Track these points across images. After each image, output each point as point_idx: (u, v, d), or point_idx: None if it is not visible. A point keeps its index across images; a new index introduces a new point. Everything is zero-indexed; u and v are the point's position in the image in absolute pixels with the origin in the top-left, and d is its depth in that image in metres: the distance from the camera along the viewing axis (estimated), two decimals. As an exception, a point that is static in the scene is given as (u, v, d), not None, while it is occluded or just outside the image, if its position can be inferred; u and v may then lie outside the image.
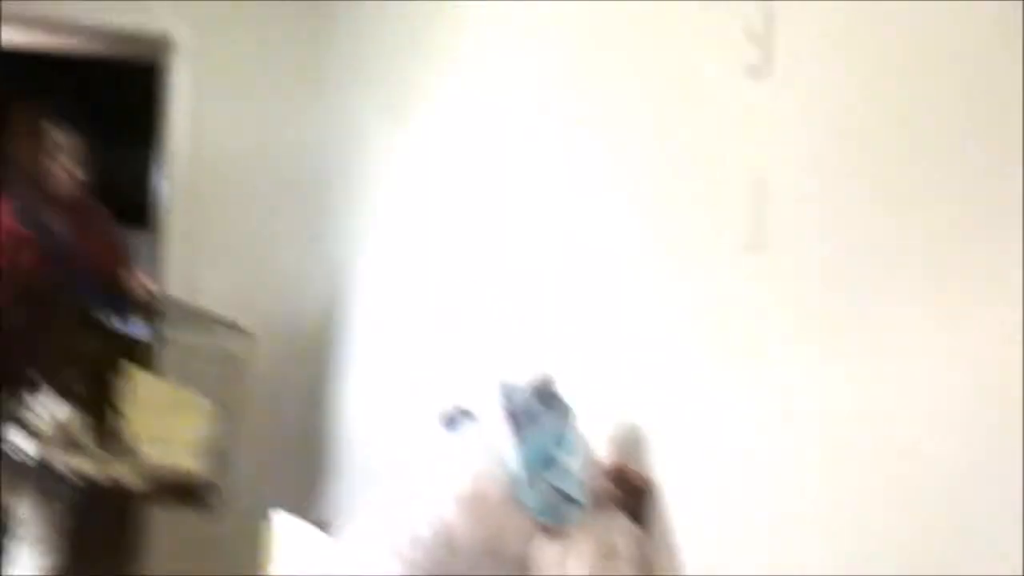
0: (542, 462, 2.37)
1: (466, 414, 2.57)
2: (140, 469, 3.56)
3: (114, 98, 5.68)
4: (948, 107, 1.73)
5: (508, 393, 2.48)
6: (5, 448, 3.54)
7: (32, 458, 3.51)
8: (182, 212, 4.60)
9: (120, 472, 3.54)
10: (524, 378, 2.51)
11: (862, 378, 1.87)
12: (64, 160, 3.78)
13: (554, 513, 2.34)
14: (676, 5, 2.42)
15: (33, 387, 3.65)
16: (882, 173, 1.85)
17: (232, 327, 3.95)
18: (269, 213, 4.69)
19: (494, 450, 2.41)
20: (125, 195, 5.98)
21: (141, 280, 4.03)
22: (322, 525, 2.85)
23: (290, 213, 4.69)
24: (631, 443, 2.44)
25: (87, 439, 3.58)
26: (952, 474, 1.69)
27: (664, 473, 2.37)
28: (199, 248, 4.60)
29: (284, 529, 2.81)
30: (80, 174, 3.84)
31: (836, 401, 1.93)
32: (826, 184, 1.96)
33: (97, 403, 3.65)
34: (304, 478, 4.46)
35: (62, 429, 3.55)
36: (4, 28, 4.71)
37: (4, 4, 4.43)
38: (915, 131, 1.79)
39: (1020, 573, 1.57)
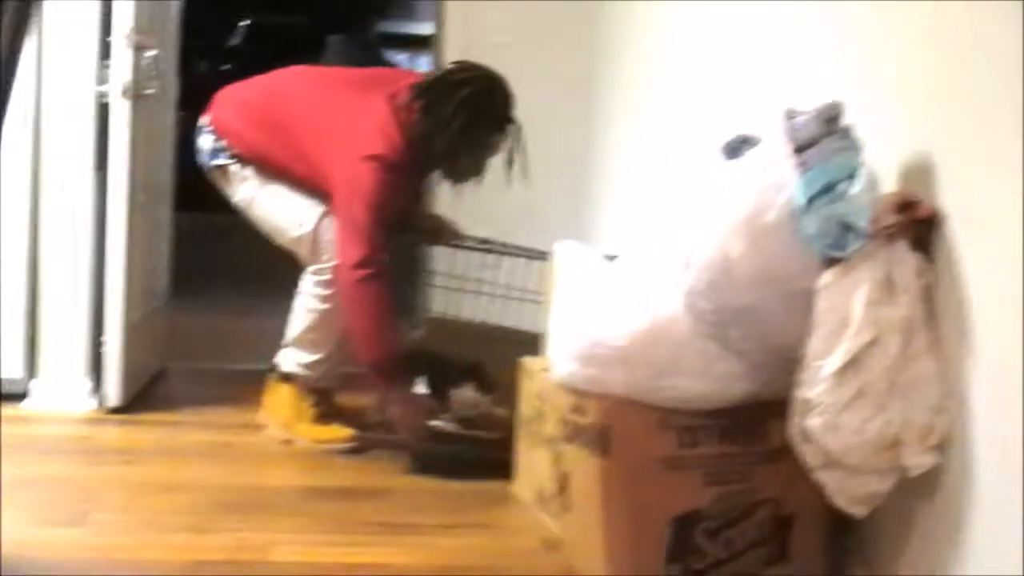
0: (824, 190, 2.31)
1: (748, 141, 2.52)
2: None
3: None
4: None
5: (792, 120, 2.42)
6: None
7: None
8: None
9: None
10: (810, 105, 2.43)
11: None
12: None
13: (834, 241, 2.29)
14: None
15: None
16: None
17: None
18: None
19: (775, 177, 2.36)
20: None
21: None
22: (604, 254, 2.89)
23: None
24: (919, 171, 2.35)
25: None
26: None
27: (953, 203, 2.27)
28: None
29: (566, 256, 2.86)
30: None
31: None
32: None
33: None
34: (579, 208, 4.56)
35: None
36: None
37: None
38: None
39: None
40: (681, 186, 2.70)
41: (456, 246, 4.12)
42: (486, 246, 4.13)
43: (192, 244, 5.44)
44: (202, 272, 6.22)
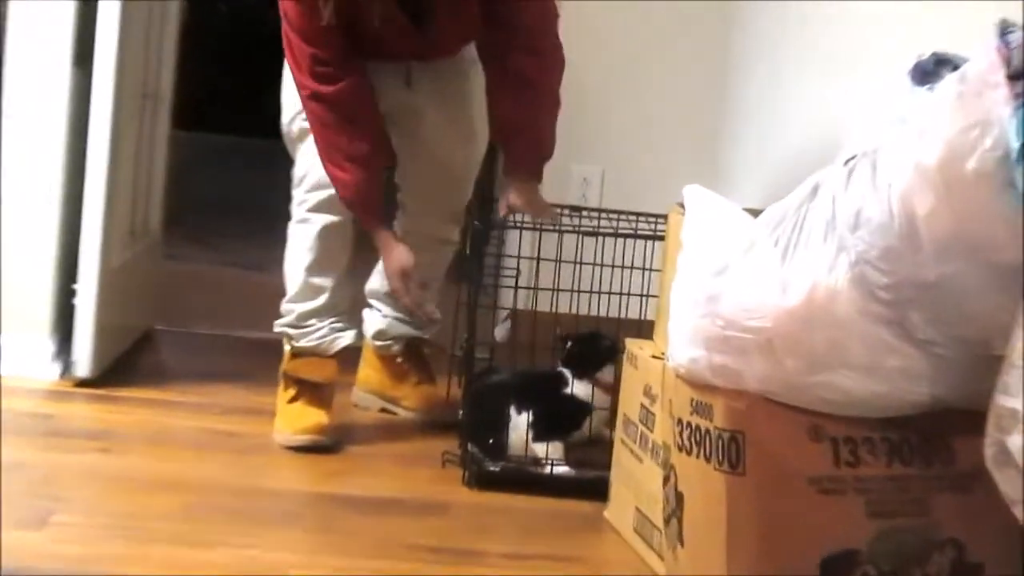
0: (1048, 132, 2.30)
1: (946, 62, 2.52)
2: None
3: None
4: None
5: (1010, 38, 2.41)
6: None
7: None
8: None
9: None
10: (1032, 18, 2.43)
11: None
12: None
13: (1057, 202, 2.29)
14: None
15: None
16: None
17: None
18: None
19: (981, 112, 2.35)
20: None
21: None
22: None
23: None
24: None
25: None
26: None
27: None
28: None
29: (695, 206, 2.86)
30: None
31: None
32: None
33: None
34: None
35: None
36: None
37: None
38: None
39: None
40: (851, 121, 2.70)
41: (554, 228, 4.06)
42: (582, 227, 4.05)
43: (193, 170, 5.48)
44: (206, 207, 6.30)
